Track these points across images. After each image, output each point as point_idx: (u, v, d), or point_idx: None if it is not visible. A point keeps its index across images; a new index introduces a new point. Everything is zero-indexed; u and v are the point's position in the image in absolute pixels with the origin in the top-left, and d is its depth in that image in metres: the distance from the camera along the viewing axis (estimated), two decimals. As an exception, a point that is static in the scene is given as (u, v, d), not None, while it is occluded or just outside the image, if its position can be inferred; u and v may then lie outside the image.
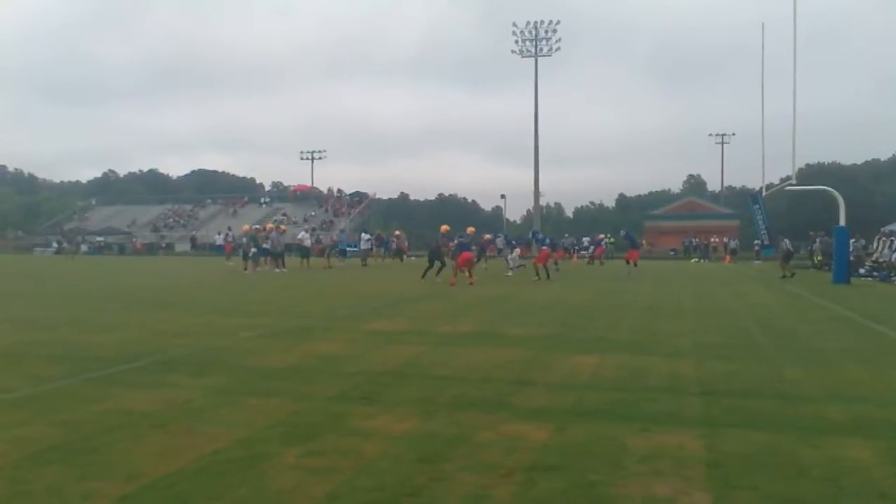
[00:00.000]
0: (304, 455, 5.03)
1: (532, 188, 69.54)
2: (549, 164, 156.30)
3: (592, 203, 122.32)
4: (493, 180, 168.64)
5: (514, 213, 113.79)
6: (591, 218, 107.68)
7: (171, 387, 7.25)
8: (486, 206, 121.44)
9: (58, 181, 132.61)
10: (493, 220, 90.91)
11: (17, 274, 29.85)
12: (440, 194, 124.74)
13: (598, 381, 7.71)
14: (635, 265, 29.06)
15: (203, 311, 14.99)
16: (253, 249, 29.96)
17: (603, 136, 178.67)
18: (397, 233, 45.02)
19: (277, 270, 29.76)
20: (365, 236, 42.45)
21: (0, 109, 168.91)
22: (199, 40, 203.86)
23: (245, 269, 29.52)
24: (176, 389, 7.11)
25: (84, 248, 62.93)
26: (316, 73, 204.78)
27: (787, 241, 29.93)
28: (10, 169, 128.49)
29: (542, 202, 71.04)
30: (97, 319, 13.00)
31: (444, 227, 27.49)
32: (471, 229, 27.57)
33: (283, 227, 35.85)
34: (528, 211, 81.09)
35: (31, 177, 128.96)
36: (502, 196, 73.77)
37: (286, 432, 5.60)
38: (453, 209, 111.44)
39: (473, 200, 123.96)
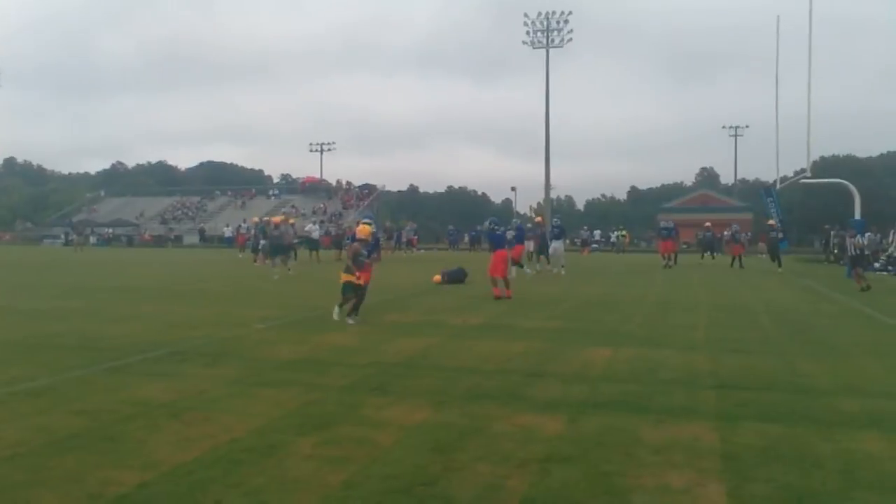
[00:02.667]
0: (319, 444, 5.06)
1: (543, 180, 69.35)
2: (560, 156, 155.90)
3: (604, 196, 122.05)
4: (502, 172, 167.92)
5: (525, 206, 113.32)
6: (602, 211, 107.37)
7: (185, 377, 7.31)
8: (496, 198, 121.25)
9: (66, 173, 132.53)
10: (504, 212, 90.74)
11: (27, 266, 30.03)
12: (450, 187, 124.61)
13: (611, 373, 7.73)
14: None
15: (215, 302, 15.06)
16: (262, 241, 30.01)
17: (614, 128, 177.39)
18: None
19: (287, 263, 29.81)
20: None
21: (8, 102, 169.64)
22: (205, 31, 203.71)
23: (255, 261, 29.60)
24: (191, 380, 7.16)
25: (93, 239, 63.03)
26: (322, 65, 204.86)
27: (868, 235, 20.04)
28: (19, 160, 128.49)
29: (553, 195, 70.99)
30: (110, 311, 13.09)
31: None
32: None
33: (291, 219, 35.81)
34: (539, 203, 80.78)
35: (40, 168, 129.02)
36: (513, 188, 73.50)
37: (301, 422, 5.64)
38: (463, 201, 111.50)
39: (483, 193, 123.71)
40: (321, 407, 6.18)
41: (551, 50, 65.50)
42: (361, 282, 11.59)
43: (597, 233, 59.58)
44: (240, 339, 9.79)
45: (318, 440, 5.16)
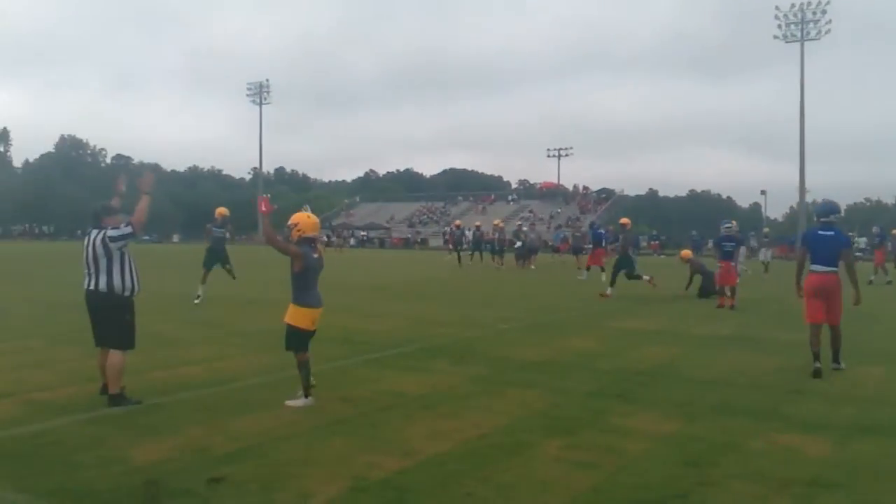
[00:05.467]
0: (566, 448, 5.08)
1: (796, 183, 64.14)
2: (816, 157, 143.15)
3: (868, 199, 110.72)
4: (749, 175, 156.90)
5: (776, 211, 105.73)
6: (866, 216, 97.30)
7: (435, 372, 7.68)
8: (743, 202, 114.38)
9: (326, 180, 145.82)
10: (752, 217, 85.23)
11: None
12: (691, 190, 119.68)
13: (884, 394, 7.01)
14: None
15: (459, 302, 15.65)
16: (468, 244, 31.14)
17: (878, 124, 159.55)
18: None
19: (532, 266, 30.29)
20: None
21: (277, 118, 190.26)
22: (441, 46, 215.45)
23: (499, 264, 30.38)
24: (440, 375, 7.52)
25: (351, 241, 68.23)
26: (555, 71, 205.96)
27: None
28: (288, 170, 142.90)
29: (809, 198, 65.06)
30: (367, 307, 14.08)
31: None
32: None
33: (499, 223, 35.87)
34: (792, 208, 74.83)
35: (305, 177, 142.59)
36: (762, 192, 68.85)
37: (546, 424, 5.71)
38: (706, 206, 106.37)
39: (729, 196, 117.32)
40: (566, 410, 6.21)
41: (806, 43, 60.45)
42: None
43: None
44: (483, 339, 10.09)
45: (564, 443, 5.19)
